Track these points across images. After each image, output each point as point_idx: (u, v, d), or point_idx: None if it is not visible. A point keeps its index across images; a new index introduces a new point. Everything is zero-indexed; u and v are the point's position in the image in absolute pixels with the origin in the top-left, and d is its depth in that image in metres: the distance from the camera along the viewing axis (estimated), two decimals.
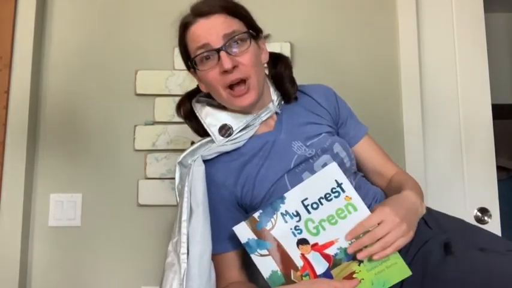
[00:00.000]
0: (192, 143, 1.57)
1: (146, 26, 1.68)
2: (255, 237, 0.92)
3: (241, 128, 1.05)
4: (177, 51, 1.62)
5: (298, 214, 0.90)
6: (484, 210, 1.65)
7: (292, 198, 0.91)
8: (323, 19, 1.70)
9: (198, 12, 1.01)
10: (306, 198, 0.90)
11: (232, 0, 1.05)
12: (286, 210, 0.91)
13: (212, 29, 0.98)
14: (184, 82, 1.60)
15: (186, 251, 0.97)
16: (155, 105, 1.62)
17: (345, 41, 1.69)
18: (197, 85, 1.14)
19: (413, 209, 0.91)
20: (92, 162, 1.61)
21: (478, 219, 1.64)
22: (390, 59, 1.68)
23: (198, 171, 1.02)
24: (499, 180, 1.68)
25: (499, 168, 1.88)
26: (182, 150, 1.57)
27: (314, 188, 0.90)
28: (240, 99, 1.01)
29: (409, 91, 1.65)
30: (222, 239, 1.02)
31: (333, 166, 0.91)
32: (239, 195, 1.03)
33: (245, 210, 1.04)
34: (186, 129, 1.57)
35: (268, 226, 0.91)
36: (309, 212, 0.90)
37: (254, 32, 1.05)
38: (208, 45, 0.99)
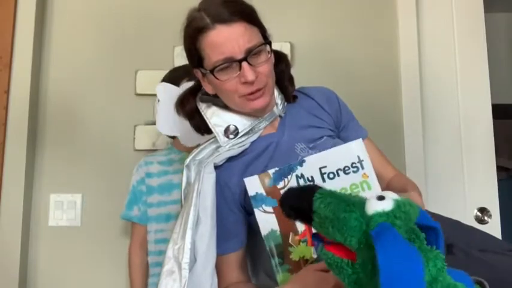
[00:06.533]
0: None
1: (146, 26, 1.68)
2: (264, 193, 0.91)
3: (246, 130, 1.05)
4: (177, 51, 1.64)
5: (312, 180, 0.90)
6: (484, 210, 1.65)
7: (312, 163, 0.90)
8: (323, 19, 1.70)
9: (217, 19, 0.97)
10: (325, 166, 0.90)
11: (249, 4, 1.03)
12: (302, 173, 0.90)
13: (234, 41, 0.96)
14: None
15: (188, 260, 0.95)
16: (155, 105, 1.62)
17: (344, 41, 1.69)
18: (198, 81, 1.13)
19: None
20: (92, 162, 1.61)
21: (478, 219, 1.64)
22: (390, 59, 1.68)
23: (209, 178, 1.00)
24: (499, 180, 1.68)
25: (499, 168, 1.87)
26: None
27: (335, 159, 0.90)
28: (254, 102, 1.01)
29: (409, 91, 1.65)
30: (225, 240, 1.01)
31: (358, 142, 0.92)
32: (243, 195, 1.02)
33: (247, 212, 1.03)
34: None
35: (280, 185, 0.91)
36: (324, 180, 0.89)
37: (267, 39, 1.04)
38: (230, 58, 0.97)
